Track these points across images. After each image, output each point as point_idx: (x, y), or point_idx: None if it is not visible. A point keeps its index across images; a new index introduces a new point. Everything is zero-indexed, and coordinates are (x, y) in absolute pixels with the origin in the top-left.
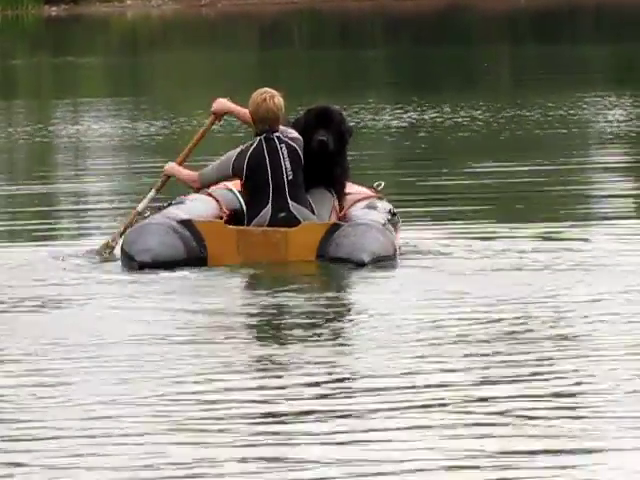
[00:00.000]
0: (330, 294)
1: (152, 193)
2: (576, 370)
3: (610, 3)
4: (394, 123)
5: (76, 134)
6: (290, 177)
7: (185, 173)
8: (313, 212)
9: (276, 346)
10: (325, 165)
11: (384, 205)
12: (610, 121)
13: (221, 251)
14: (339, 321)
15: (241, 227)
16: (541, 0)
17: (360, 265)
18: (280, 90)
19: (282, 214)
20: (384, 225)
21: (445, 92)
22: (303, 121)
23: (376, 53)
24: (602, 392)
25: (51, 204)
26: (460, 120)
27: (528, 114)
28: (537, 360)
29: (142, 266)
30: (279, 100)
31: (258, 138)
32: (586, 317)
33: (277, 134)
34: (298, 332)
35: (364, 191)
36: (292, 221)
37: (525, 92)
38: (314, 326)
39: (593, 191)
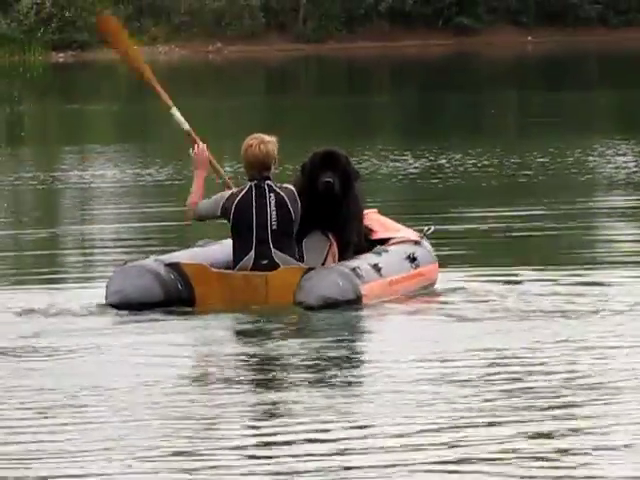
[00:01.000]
0: (330, 339)
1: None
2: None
3: (615, 48)
4: (400, 169)
5: (82, 181)
6: (274, 227)
7: (198, 185)
8: (302, 259)
9: (276, 393)
10: (330, 207)
11: (405, 249)
12: (617, 167)
13: (206, 294)
14: (342, 368)
15: (224, 271)
16: (547, 46)
17: (308, 309)
18: (281, 135)
19: (264, 261)
20: (354, 270)
21: (452, 138)
22: (309, 163)
23: (382, 99)
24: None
25: (56, 248)
26: (468, 166)
27: (535, 159)
28: (549, 410)
29: (112, 306)
30: (267, 146)
31: (249, 184)
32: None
33: (269, 182)
34: (299, 377)
35: (407, 235)
36: (274, 268)
37: (532, 138)
38: (315, 371)
39: (600, 235)
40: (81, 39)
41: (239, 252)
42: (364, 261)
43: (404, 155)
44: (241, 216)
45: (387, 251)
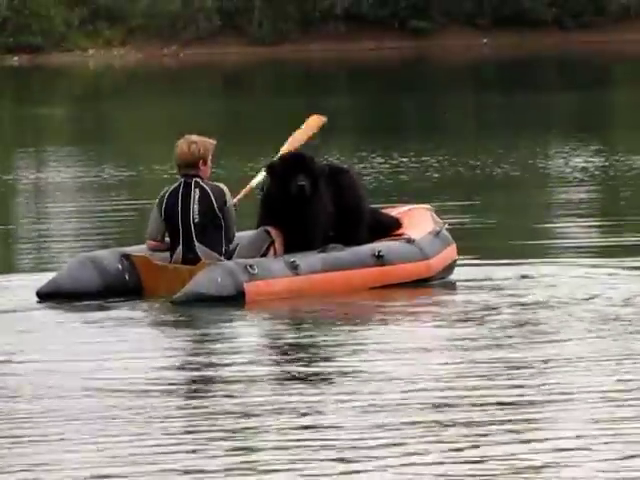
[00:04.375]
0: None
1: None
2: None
3: (570, 51)
4: (356, 169)
5: (37, 180)
6: (196, 220)
7: None
8: (224, 253)
9: (274, 391)
10: (299, 208)
11: (374, 247)
12: (570, 165)
13: (151, 284)
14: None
15: (162, 263)
16: (502, 48)
17: (172, 303)
18: (237, 138)
19: (190, 255)
20: (247, 267)
21: (407, 140)
22: (280, 167)
23: (339, 101)
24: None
25: (11, 244)
26: (421, 165)
27: (485, 159)
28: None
29: (40, 295)
30: (197, 146)
31: (178, 181)
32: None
33: (196, 179)
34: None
35: (409, 233)
36: (198, 261)
37: (483, 139)
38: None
39: (545, 229)
40: (36, 43)
41: (172, 245)
42: (280, 259)
43: (360, 155)
44: (170, 211)
45: (337, 249)
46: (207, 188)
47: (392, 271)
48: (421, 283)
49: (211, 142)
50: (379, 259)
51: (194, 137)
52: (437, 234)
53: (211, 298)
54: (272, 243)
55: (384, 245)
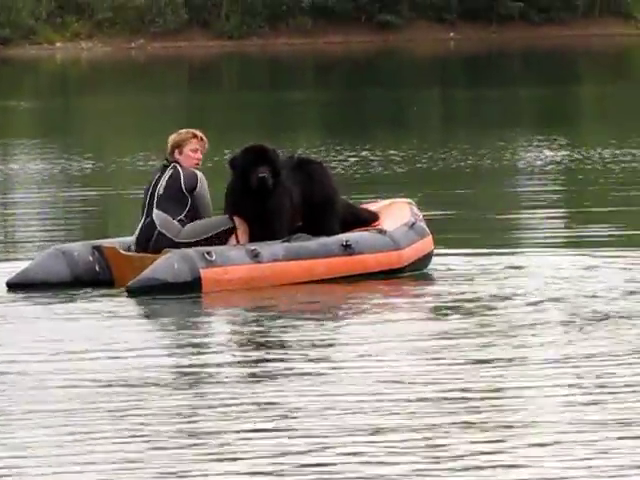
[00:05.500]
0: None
1: None
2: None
3: (537, 45)
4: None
5: (3, 172)
6: (161, 192)
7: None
8: (180, 222)
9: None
10: (261, 200)
11: (342, 237)
12: (537, 158)
13: (120, 274)
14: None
15: (127, 253)
16: (470, 43)
17: (126, 290)
18: (203, 131)
19: (147, 219)
20: (204, 254)
21: (375, 134)
22: (241, 159)
23: (306, 95)
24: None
25: None
26: (389, 158)
27: (454, 152)
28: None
29: (9, 285)
30: (170, 137)
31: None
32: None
33: (174, 164)
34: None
35: (382, 224)
36: (151, 225)
37: (452, 133)
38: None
39: (517, 220)
40: (3, 35)
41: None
42: (241, 247)
43: (327, 148)
44: (147, 188)
45: (302, 238)
46: (180, 170)
47: (360, 261)
48: (392, 275)
49: (187, 133)
50: (347, 249)
51: (182, 131)
52: (412, 225)
53: (166, 284)
54: (232, 230)
55: (353, 235)
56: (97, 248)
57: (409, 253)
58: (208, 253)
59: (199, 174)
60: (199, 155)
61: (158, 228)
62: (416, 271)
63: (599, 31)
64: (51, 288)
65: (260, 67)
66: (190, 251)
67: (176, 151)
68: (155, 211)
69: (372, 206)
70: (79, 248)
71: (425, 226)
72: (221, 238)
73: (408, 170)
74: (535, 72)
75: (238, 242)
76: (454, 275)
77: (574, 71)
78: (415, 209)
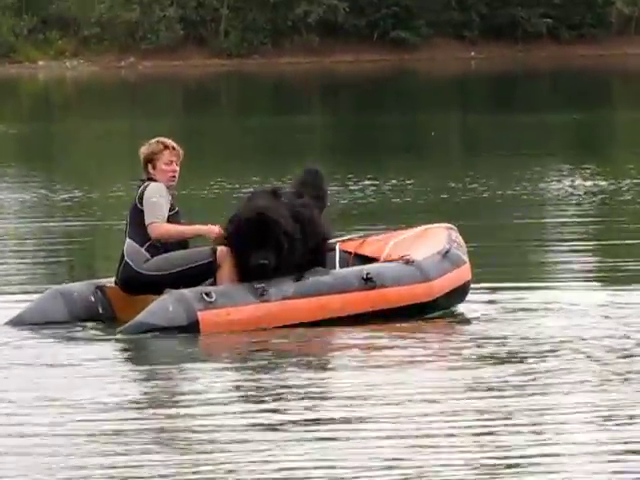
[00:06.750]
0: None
1: None
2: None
3: (567, 65)
4: (334, 193)
5: None
6: (129, 217)
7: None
8: (153, 248)
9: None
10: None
11: (363, 269)
12: (562, 187)
13: (122, 314)
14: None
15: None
16: (492, 62)
17: (119, 333)
18: (198, 160)
19: (122, 250)
20: (202, 295)
21: (390, 162)
22: (235, 234)
23: (312, 120)
24: None
25: None
26: (405, 189)
27: (475, 182)
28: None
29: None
30: (140, 151)
31: None
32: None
33: (148, 182)
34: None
35: (409, 255)
36: (122, 255)
37: (474, 163)
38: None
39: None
40: None
41: None
42: (246, 285)
43: (334, 177)
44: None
45: (318, 273)
46: (144, 190)
47: (382, 295)
48: (423, 311)
49: (157, 145)
50: (368, 282)
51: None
52: (445, 253)
53: (161, 329)
54: (211, 264)
55: (375, 267)
56: (100, 288)
57: (440, 285)
58: (207, 294)
59: (152, 184)
60: (174, 167)
61: (125, 258)
62: (452, 305)
63: (634, 50)
64: (45, 328)
65: (262, 88)
66: (186, 292)
67: (149, 166)
68: (127, 240)
69: (403, 233)
70: (79, 288)
71: (463, 253)
72: (197, 274)
73: (426, 201)
74: (565, 95)
75: (216, 281)
76: (483, 313)
77: (607, 94)
78: (455, 234)
